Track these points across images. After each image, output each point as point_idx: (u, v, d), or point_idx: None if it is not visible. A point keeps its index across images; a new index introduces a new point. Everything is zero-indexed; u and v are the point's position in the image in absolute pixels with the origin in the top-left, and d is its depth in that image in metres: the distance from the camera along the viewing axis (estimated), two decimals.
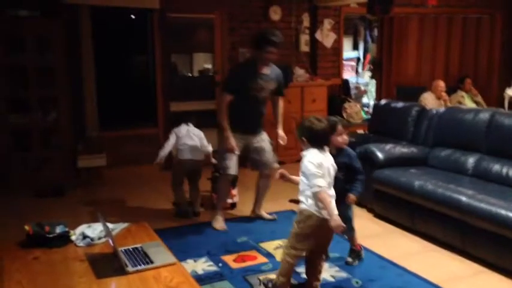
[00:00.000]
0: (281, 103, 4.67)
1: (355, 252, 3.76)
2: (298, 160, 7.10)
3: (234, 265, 3.70)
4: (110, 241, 2.69)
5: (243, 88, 4.30)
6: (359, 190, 3.58)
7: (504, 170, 4.24)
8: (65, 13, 5.81)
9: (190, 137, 4.76)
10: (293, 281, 3.26)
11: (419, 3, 7.63)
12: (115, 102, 6.41)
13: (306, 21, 7.30)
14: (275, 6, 7.02)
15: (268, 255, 3.88)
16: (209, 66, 8.64)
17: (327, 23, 7.37)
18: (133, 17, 7.91)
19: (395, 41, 7.89)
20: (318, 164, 2.92)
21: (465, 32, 8.30)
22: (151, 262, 2.63)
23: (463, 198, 3.83)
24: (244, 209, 4.90)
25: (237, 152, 4.38)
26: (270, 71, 4.41)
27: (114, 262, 2.62)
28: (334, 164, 3.10)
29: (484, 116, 4.56)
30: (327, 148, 3.08)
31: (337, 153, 3.49)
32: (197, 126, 4.85)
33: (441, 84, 7.16)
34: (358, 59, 11.61)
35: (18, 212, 4.88)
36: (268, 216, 4.71)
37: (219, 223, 4.49)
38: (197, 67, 8.20)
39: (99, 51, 6.19)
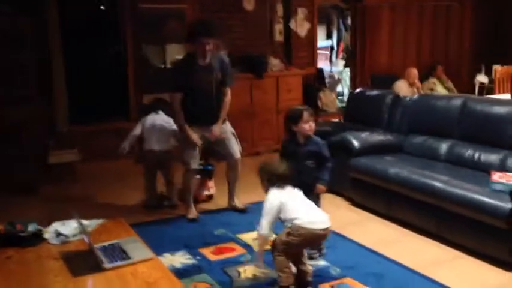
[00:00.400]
0: (227, 96, 4.49)
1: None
2: (275, 150, 7.09)
3: (213, 257, 3.68)
4: (85, 238, 2.63)
5: (188, 83, 4.27)
6: (326, 179, 3.60)
7: (476, 155, 4.30)
8: (32, 5, 5.65)
9: (158, 126, 4.67)
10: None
11: None
12: (86, 95, 6.28)
13: (280, 10, 7.27)
14: None
15: (246, 246, 3.87)
16: (180, 57, 8.53)
17: (301, 12, 7.35)
18: (102, 8, 7.76)
19: (368, 30, 7.92)
20: (280, 203, 3.03)
21: (436, 20, 8.39)
22: (129, 258, 2.58)
23: (438, 184, 3.87)
24: (221, 201, 4.87)
25: (199, 145, 4.38)
26: (213, 61, 4.32)
27: (90, 259, 2.56)
28: (300, 193, 3.20)
29: (456, 102, 4.61)
30: (289, 186, 3.14)
31: (305, 142, 3.55)
32: (168, 114, 4.76)
33: (414, 71, 7.23)
34: (332, 47, 11.65)
35: None
36: (240, 207, 4.66)
37: (191, 213, 4.48)
38: (169, 58, 8.09)
39: (68, 44, 6.06)
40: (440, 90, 7.49)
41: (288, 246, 3.04)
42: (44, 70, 5.86)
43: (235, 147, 4.58)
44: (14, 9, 5.48)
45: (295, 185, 3.30)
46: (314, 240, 3.19)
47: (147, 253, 2.67)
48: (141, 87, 6.57)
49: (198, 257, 3.68)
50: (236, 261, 3.60)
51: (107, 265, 2.49)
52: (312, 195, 3.44)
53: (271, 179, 3.13)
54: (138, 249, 2.70)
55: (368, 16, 7.84)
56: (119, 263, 2.53)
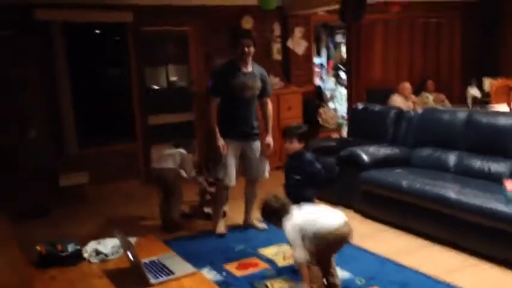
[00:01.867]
0: (269, 105, 4.59)
1: None
2: (277, 168, 7.18)
3: (238, 273, 3.74)
4: (129, 255, 2.68)
5: (227, 88, 4.29)
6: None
7: (485, 166, 4.45)
8: (38, 30, 5.73)
9: (170, 152, 4.79)
10: None
11: (383, 10, 7.90)
12: (93, 118, 6.34)
13: (277, 30, 7.44)
14: (247, 17, 7.12)
15: (268, 261, 3.94)
16: (175, 78, 8.69)
17: (298, 31, 7.52)
18: (98, 31, 7.83)
19: (363, 46, 8.11)
20: (300, 229, 3.10)
21: (426, 35, 8.63)
22: (172, 273, 2.65)
23: (452, 194, 4.00)
24: (235, 217, 4.93)
25: (224, 152, 4.33)
26: (253, 68, 4.40)
27: (133, 276, 2.62)
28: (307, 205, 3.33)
29: (462, 115, 4.78)
30: (294, 208, 3.25)
31: (293, 157, 3.78)
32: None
33: (407, 85, 7.47)
34: (322, 65, 11.88)
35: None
36: (260, 226, 4.65)
37: (218, 229, 4.53)
38: (172, 79, 8.20)
39: (74, 68, 6.13)
40: (433, 103, 7.70)
41: (317, 255, 3.12)
42: (50, 94, 5.91)
43: (263, 167, 4.58)
44: (20, 33, 5.55)
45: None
46: (339, 241, 3.18)
47: (189, 268, 2.74)
48: (146, 109, 6.64)
49: (223, 273, 3.74)
50: (262, 276, 3.67)
51: (153, 281, 2.55)
52: None
53: (278, 215, 3.24)
54: (179, 264, 2.77)
55: (363, 33, 8.03)
56: (164, 278, 2.59)
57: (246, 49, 4.28)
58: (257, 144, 4.54)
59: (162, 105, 6.58)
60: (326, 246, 3.14)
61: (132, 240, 3.18)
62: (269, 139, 4.53)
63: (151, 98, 6.73)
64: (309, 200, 3.68)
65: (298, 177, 3.73)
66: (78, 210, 5.52)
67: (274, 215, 3.27)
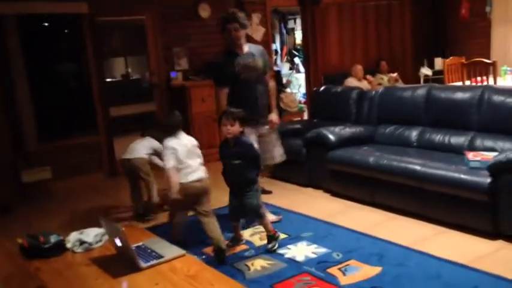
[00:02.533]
0: (271, 83, 4.56)
1: (273, 237, 3.88)
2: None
3: None
4: (118, 241, 2.66)
5: (231, 75, 4.23)
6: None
7: (446, 139, 4.65)
8: None
9: (137, 140, 4.76)
10: None
11: None
12: (53, 113, 6.18)
13: None
14: (203, 4, 7.10)
15: (246, 242, 4.01)
16: (134, 69, 8.58)
17: (255, 17, 7.56)
18: (53, 24, 7.61)
19: (318, 31, 8.23)
20: (171, 148, 3.64)
21: (378, 18, 8.84)
22: (162, 256, 2.65)
23: (418, 168, 4.16)
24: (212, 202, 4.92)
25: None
26: (250, 48, 4.36)
27: (122, 262, 2.62)
28: (191, 141, 3.77)
29: (422, 91, 4.97)
30: (181, 133, 3.75)
31: (234, 144, 3.77)
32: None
33: (359, 67, 7.66)
34: (276, 51, 11.99)
35: None
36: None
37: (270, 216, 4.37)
38: (125, 71, 8.08)
39: (30, 63, 5.95)
40: (387, 84, 7.94)
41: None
42: (6, 90, 5.72)
43: (279, 150, 4.53)
44: None
45: (227, 183, 3.83)
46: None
47: (177, 250, 2.75)
48: (106, 101, 6.53)
49: (203, 257, 3.78)
50: (241, 257, 3.74)
51: (143, 265, 2.55)
52: (246, 192, 3.74)
53: (166, 130, 3.72)
54: (166, 248, 2.78)
55: (317, 17, 8.15)
56: (154, 261, 2.60)
57: (234, 33, 4.22)
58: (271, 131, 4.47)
59: (123, 97, 6.48)
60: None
61: None
62: (273, 115, 4.48)
63: (112, 90, 6.60)
64: (253, 181, 3.79)
65: (237, 162, 3.71)
66: (44, 205, 5.40)
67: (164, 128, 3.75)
